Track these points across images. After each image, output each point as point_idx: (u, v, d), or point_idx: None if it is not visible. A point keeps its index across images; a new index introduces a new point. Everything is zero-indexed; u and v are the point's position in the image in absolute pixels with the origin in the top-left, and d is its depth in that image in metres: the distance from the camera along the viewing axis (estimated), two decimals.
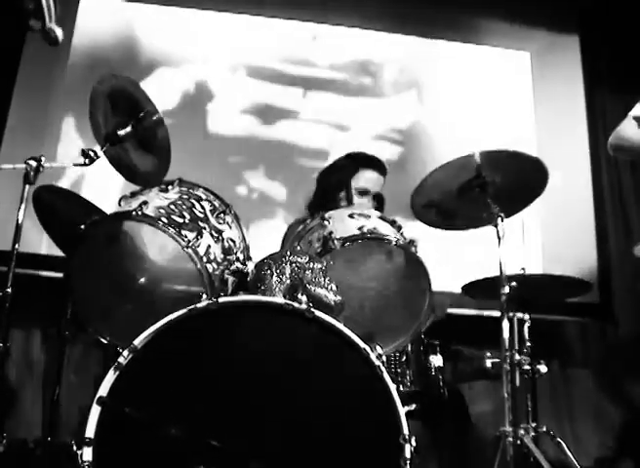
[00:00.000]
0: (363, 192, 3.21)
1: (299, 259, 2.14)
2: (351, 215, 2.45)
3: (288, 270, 2.11)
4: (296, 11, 4.82)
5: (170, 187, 2.36)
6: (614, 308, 4.56)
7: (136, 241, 2.41)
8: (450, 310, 3.63)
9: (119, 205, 2.34)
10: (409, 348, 2.85)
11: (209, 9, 4.75)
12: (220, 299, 1.90)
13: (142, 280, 2.47)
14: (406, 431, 1.87)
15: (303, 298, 1.97)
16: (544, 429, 2.89)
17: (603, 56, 4.98)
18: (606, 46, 4.98)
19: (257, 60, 4.71)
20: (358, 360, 1.92)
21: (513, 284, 2.76)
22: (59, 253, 3.17)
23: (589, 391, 4.37)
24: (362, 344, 1.92)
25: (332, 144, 4.55)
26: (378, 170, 3.28)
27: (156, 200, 2.28)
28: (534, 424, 2.87)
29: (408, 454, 1.86)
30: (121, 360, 1.81)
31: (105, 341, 2.33)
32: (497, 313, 2.55)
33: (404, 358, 2.85)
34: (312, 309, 1.92)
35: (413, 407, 2.76)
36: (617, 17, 4.84)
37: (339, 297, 2.10)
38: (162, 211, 2.22)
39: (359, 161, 3.33)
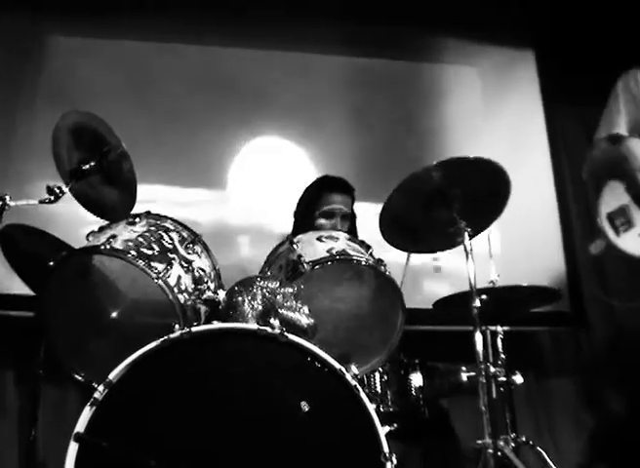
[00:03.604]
0: (329, 215, 3.25)
1: (269, 285, 2.15)
2: (320, 238, 2.48)
3: (259, 296, 2.13)
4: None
5: (138, 220, 2.38)
6: (586, 315, 4.60)
7: (106, 275, 2.41)
8: (423, 327, 3.68)
9: (87, 240, 2.34)
10: (388, 368, 2.87)
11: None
12: (194, 329, 1.91)
13: (114, 314, 2.46)
14: (386, 449, 1.88)
15: (276, 323, 1.98)
16: (524, 439, 2.90)
17: (558, 69, 5.05)
18: (559, 60, 5.06)
19: None
20: (334, 381, 1.93)
21: (484, 297, 2.79)
22: (29, 292, 3.15)
23: (567, 399, 4.39)
24: (337, 365, 1.93)
25: None
26: (341, 191, 3.33)
27: (124, 233, 2.29)
28: (513, 435, 2.87)
29: None
30: (97, 395, 1.81)
31: (80, 378, 2.31)
32: (470, 327, 2.58)
33: (385, 378, 2.86)
34: (286, 333, 1.93)
35: (394, 426, 2.76)
36: (570, 31, 4.92)
37: (311, 320, 2.12)
38: (131, 243, 2.23)
39: (323, 185, 3.39)
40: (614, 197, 2.91)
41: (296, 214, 3.47)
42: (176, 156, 4.34)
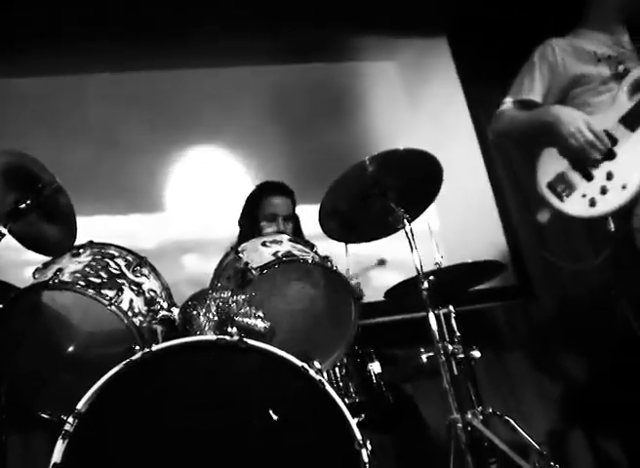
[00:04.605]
0: (272, 217, 3.31)
1: (222, 295, 2.18)
2: (264, 243, 2.51)
3: (213, 307, 2.15)
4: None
5: (81, 251, 2.38)
6: (531, 286, 4.73)
7: (57, 311, 2.40)
8: (378, 319, 3.74)
9: (34, 277, 2.33)
10: (345, 361, 2.91)
11: None
12: (154, 348, 1.92)
13: (71, 348, 2.45)
14: (359, 437, 1.93)
15: (234, 330, 2.01)
16: (491, 411, 2.96)
17: (474, 52, 5.17)
18: (472, 42, 5.17)
19: None
20: (299, 379, 1.97)
21: (431, 278, 2.85)
22: None
23: (526, 369, 4.47)
24: (299, 363, 1.97)
25: None
26: (281, 194, 3.39)
27: (70, 265, 2.28)
28: (480, 408, 2.93)
29: (366, 458, 1.91)
30: (67, 427, 1.80)
31: (47, 416, 2.30)
32: (424, 313, 2.65)
33: (343, 371, 2.91)
34: (245, 339, 1.96)
35: (362, 417, 2.81)
36: (479, 11, 5.04)
37: (267, 323, 2.15)
38: (78, 275, 2.23)
39: (263, 190, 3.46)
40: (550, 165, 2.99)
41: (240, 222, 3.53)
42: (111, 184, 4.32)
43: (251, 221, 3.40)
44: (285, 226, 3.32)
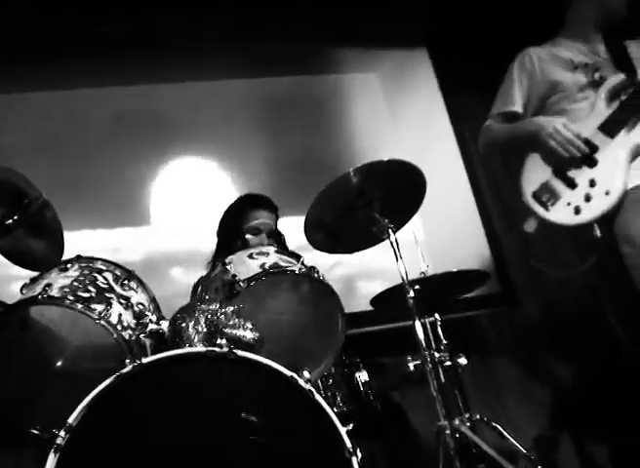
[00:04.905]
0: (256, 231, 3.31)
1: (210, 307, 2.20)
2: (251, 256, 2.53)
3: (202, 319, 2.17)
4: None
5: (69, 265, 2.38)
6: (515, 294, 4.77)
7: (46, 325, 2.39)
8: (365, 329, 3.76)
9: (22, 293, 2.34)
10: (333, 370, 2.93)
11: None
12: (144, 360, 1.93)
13: (60, 363, 2.45)
14: (349, 445, 1.94)
15: (223, 342, 2.03)
16: (478, 417, 2.98)
17: (454, 63, 5.23)
18: (452, 52, 5.23)
19: None
20: (288, 388, 1.99)
21: (417, 287, 2.87)
22: None
23: (513, 376, 4.50)
24: (288, 373, 1.99)
25: None
26: (265, 208, 3.39)
27: (59, 280, 2.29)
28: (467, 415, 2.95)
29: (356, 466, 1.93)
30: (59, 441, 1.80)
31: (36, 431, 2.29)
32: (409, 322, 2.68)
33: (330, 381, 2.93)
34: (234, 350, 1.98)
35: (350, 426, 2.82)
36: (459, 23, 5.10)
37: (256, 334, 2.17)
38: (67, 289, 2.24)
39: (247, 202, 3.45)
40: (534, 175, 3.04)
41: (219, 234, 3.50)
42: (97, 199, 4.32)
43: (233, 233, 3.38)
44: (268, 241, 3.30)
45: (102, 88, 4.77)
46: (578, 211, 2.89)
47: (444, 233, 4.67)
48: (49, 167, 4.16)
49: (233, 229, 3.34)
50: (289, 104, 5.02)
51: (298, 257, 2.57)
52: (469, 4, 4.94)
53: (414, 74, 5.35)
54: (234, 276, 2.40)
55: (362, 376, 2.97)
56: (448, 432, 2.53)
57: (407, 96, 5.24)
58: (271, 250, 2.59)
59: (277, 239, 3.40)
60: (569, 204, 2.92)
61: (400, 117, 5.14)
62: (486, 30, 4.91)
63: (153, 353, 2.31)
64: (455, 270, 3.25)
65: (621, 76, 3.01)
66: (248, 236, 3.29)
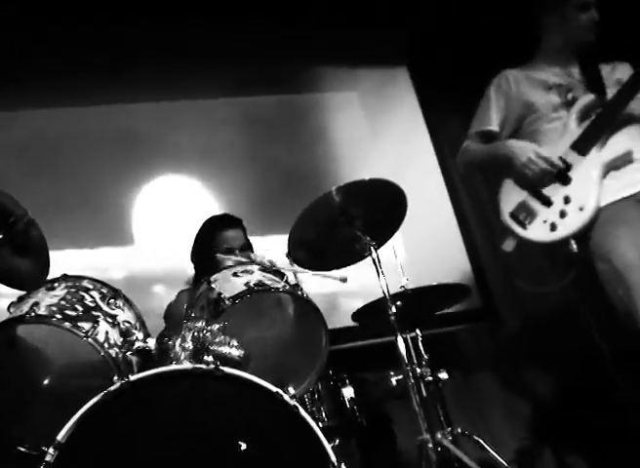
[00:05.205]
0: (229, 251, 3.33)
1: (196, 324, 2.23)
2: (235, 274, 2.57)
3: (189, 336, 2.19)
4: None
5: (56, 284, 2.40)
6: (496, 308, 4.83)
7: (33, 344, 2.41)
8: (347, 345, 3.80)
9: (9, 311, 2.35)
10: (319, 386, 2.97)
11: None
12: (132, 377, 1.95)
13: (47, 381, 2.46)
14: (334, 458, 1.97)
15: (210, 359, 2.06)
16: (460, 431, 3.03)
17: (434, 82, 5.30)
18: (433, 72, 5.31)
19: None
20: (274, 404, 2.00)
21: (399, 303, 2.92)
22: None
23: (494, 390, 4.55)
24: (274, 389, 2.02)
25: None
26: (231, 226, 3.45)
27: (46, 299, 2.30)
28: (449, 429, 3.00)
29: None
30: (48, 458, 1.80)
31: (24, 449, 2.29)
32: (391, 338, 2.73)
33: (316, 396, 2.96)
34: (220, 367, 2.00)
35: (336, 442, 2.86)
36: (440, 43, 5.18)
37: (242, 351, 2.20)
38: (54, 308, 2.25)
39: (213, 227, 3.51)
40: (511, 195, 3.12)
41: (194, 258, 3.55)
42: (81, 218, 4.34)
43: (208, 257, 3.38)
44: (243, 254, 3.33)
45: (84, 107, 4.81)
46: (554, 227, 2.96)
47: (425, 250, 4.71)
48: (31, 187, 4.15)
49: (208, 254, 3.36)
50: (271, 123, 5.07)
51: (282, 275, 2.61)
52: (450, 24, 5.05)
53: (394, 93, 5.43)
54: (219, 294, 2.43)
55: (347, 392, 3.00)
56: (430, 446, 2.57)
57: (387, 114, 5.31)
58: (255, 268, 2.63)
59: (250, 248, 3.45)
60: (545, 221, 2.99)
61: (381, 135, 5.21)
62: (466, 50, 4.99)
63: (140, 370, 2.33)
64: (435, 283, 3.29)
65: (591, 96, 3.09)
66: (222, 256, 3.30)
